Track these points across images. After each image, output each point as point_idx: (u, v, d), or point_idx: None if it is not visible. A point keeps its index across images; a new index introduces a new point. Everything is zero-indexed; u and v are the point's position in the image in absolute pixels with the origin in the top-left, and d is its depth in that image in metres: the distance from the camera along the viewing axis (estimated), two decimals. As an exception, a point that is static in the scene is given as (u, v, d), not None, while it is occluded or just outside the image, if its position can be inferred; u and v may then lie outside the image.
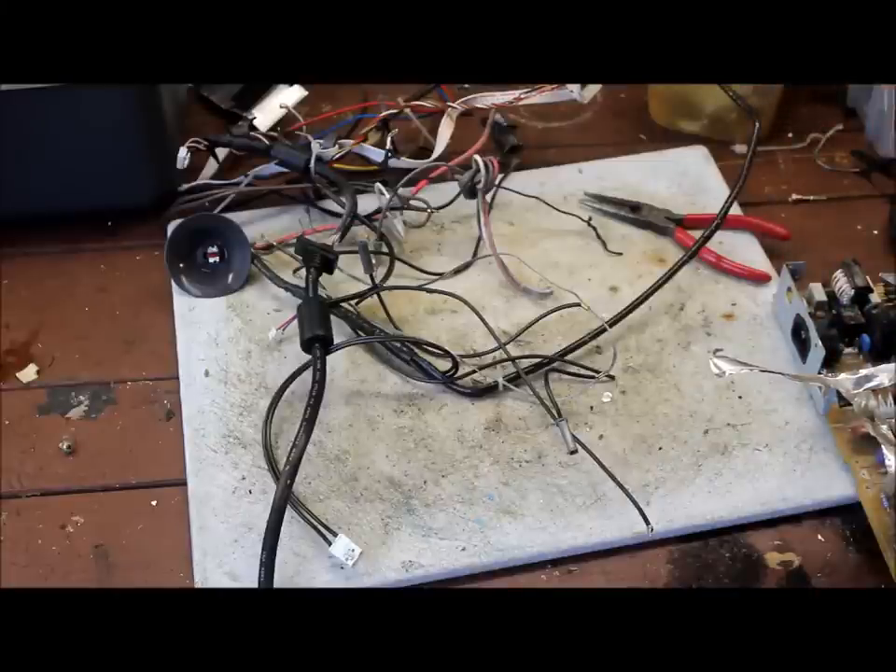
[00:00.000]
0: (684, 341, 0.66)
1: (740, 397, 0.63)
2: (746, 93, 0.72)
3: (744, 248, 0.71)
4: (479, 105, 0.73)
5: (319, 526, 0.55)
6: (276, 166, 0.72)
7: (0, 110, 0.64)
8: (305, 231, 0.70)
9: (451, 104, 0.73)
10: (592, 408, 0.63)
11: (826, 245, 0.72)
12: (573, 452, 0.59)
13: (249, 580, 0.54)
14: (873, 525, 0.56)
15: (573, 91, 0.70)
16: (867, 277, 0.62)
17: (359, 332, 0.65)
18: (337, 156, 0.72)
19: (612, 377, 0.64)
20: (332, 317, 0.62)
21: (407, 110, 0.74)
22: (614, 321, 0.65)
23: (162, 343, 0.66)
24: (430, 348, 0.63)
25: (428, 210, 0.71)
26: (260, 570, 0.52)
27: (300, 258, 0.65)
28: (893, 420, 0.58)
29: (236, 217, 0.70)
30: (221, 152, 0.74)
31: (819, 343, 0.60)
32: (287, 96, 0.78)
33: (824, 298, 0.62)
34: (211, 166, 0.74)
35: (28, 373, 0.65)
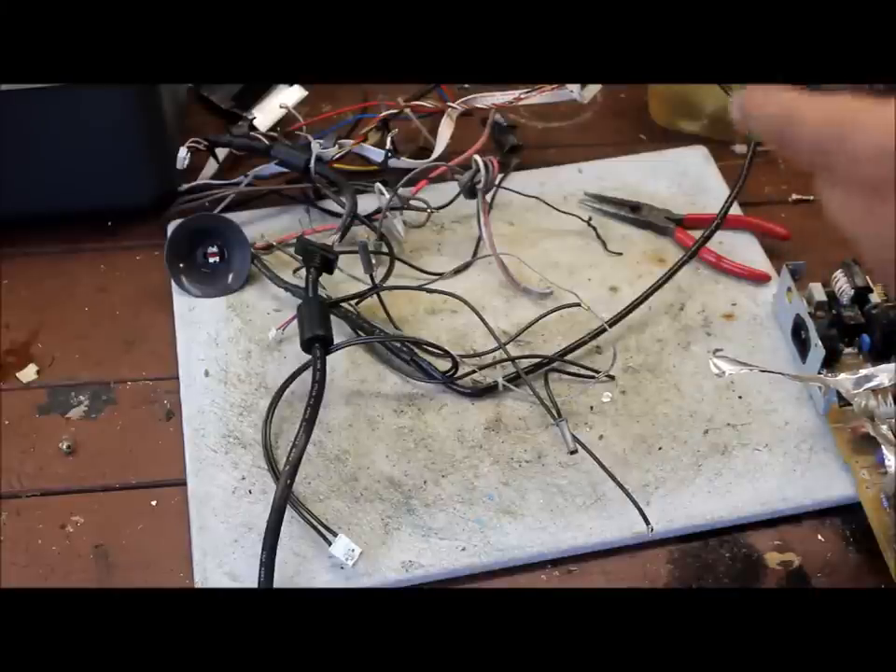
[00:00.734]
0: (684, 341, 0.66)
1: (740, 397, 0.63)
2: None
3: (744, 248, 0.71)
4: (479, 105, 0.73)
5: (319, 526, 0.55)
6: (276, 166, 0.72)
7: (0, 110, 0.64)
8: (305, 231, 0.70)
9: (451, 104, 0.73)
10: (592, 408, 0.63)
11: (826, 245, 0.71)
12: (573, 452, 0.59)
13: (249, 580, 0.54)
14: (873, 525, 0.56)
15: (573, 91, 0.70)
16: (867, 277, 0.62)
17: (359, 332, 0.65)
18: (337, 156, 0.72)
19: (612, 377, 0.64)
20: (332, 317, 0.62)
21: (407, 110, 0.74)
22: (614, 321, 0.65)
23: (162, 343, 0.66)
24: (430, 348, 0.63)
25: (428, 210, 0.71)
26: (260, 570, 0.52)
27: (300, 258, 0.65)
28: (893, 420, 0.58)
29: (236, 217, 0.70)
30: (221, 152, 0.74)
31: (819, 343, 0.60)
32: (287, 96, 0.78)
33: (824, 298, 0.62)
34: (211, 166, 0.74)
35: (28, 373, 0.65)
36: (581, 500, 0.58)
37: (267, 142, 0.71)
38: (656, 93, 0.81)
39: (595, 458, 0.58)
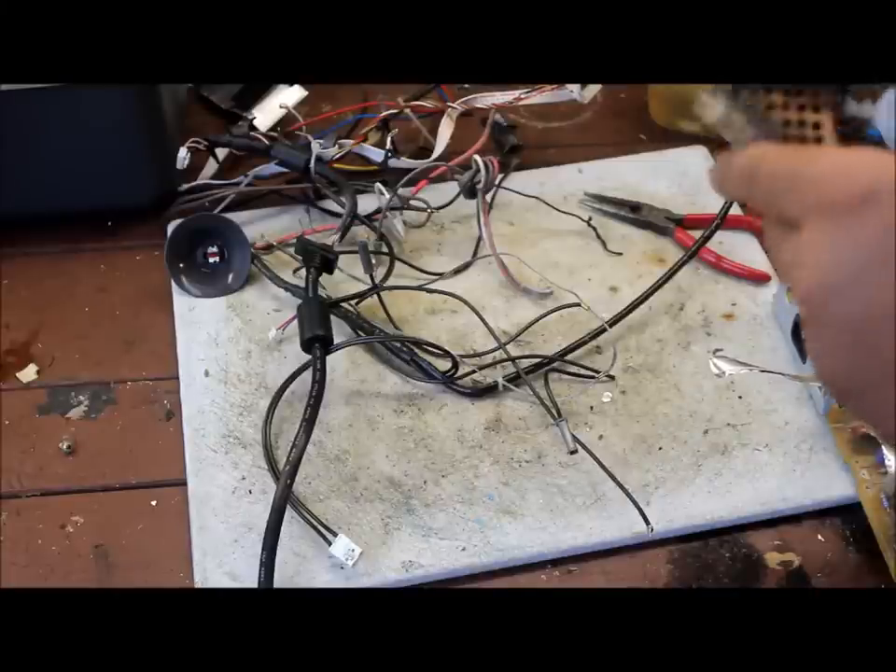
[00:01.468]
0: (684, 341, 0.66)
1: (740, 397, 0.63)
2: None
3: (744, 248, 0.71)
4: (479, 105, 0.73)
5: (319, 526, 0.55)
6: (276, 166, 0.72)
7: (0, 110, 0.64)
8: (305, 231, 0.70)
9: (451, 104, 0.73)
10: (592, 408, 0.63)
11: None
12: (573, 452, 0.59)
13: (249, 580, 0.54)
14: (873, 525, 0.56)
15: (573, 91, 0.70)
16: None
17: (359, 332, 0.65)
18: (337, 156, 0.72)
19: (612, 377, 0.64)
20: (332, 317, 0.63)
21: (407, 110, 0.74)
22: (614, 321, 0.65)
23: (162, 343, 0.66)
24: (430, 348, 0.63)
25: (428, 210, 0.71)
26: (260, 570, 0.52)
27: (300, 258, 0.65)
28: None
29: (236, 217, 0.70)
30: (221, 152, 0.74)
31: (819, 343, 0.60)
32: (287, 96, 0.78)
33: (824, 298, 0.62)
34: (211, 166, 0.74)
35: (28, 373, 0.65)
36: (581, 500, 0.58)
37: (267, 142, 0.71)
38: (656, 93, 0.81)
39: (595, 458, 0.58)
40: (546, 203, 0.72)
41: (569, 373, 0.64)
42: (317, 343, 0.60)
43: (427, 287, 0.67)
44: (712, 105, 0.44)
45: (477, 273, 0.70)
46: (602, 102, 0.83)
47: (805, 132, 0.42)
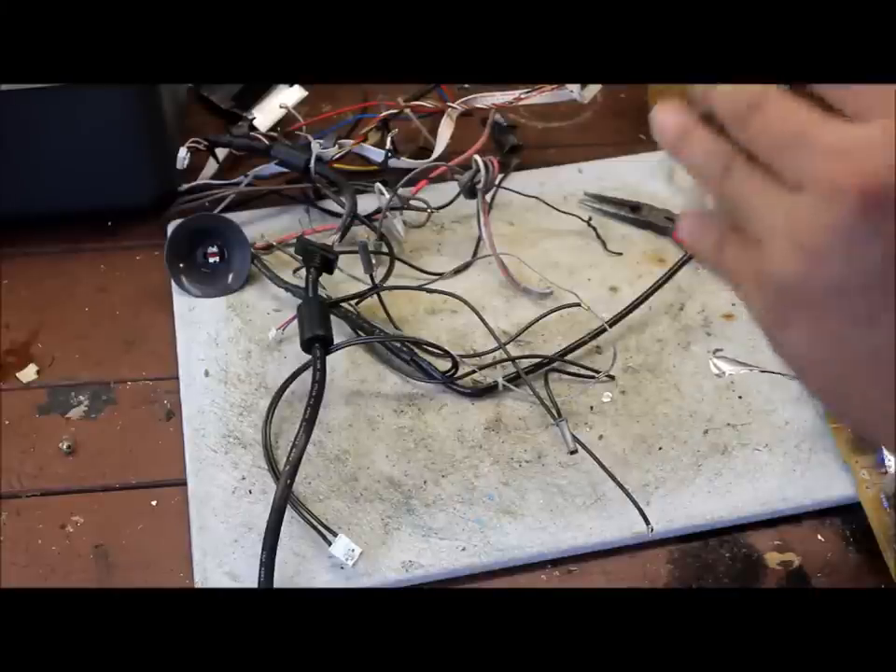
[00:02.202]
0: (684, 341, 0.66)
1: (740, 397, 0.63)
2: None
3: (744, 248, 0.71)
4: (479, 105, 0.73)
5: (319, 526, 0.55)
6: (276, 166, 0.72)
7: (0, 110, 0.64)
8: (305, 231, 0.70)
9: (451, 104, 0.73)
10: (592, 408, 0.63)
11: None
12: (573, 452, 0.59)
13: (249, 580, 0.54)
14: (873, 525, 0.56)
15: (573, 91, 0.70)
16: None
17: (359, 332, 0.65)
18: (337, 156, 0.72)
19: (612, 377, 0.64)
20: (332, 317, 0.63)
21: (407, 110, 0.74)
22: (614, 321, 0.65)
23: (162, 343, 0.66)
24: (430, 348, 0.63)
25: (428, 210, 0.71)
26: (260, 570, 0.52)
27: (300, 258, 0.65)
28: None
29: (236, 217, 0.70)
30: (221, 152, 0.74)
31: (819, 343, 0.60)
32: (287, 96, 0.78)
33: (824, 297, 0.62)
34: (211, 166, 0.74)
35: (28, 373, 0.65)
36: (580, 500, 0.58)
37: (267, 142, 0.71)
38: (656, 93, 0.81)
39: (595, 458, 0.58)
40: (546, 203, 0.72)
41: (569, 373, 0.64)
42: (317, 343, 0.60)
43: (427, 287, 0.67)
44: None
45: (477, 272, 0.70)
46: (602, 102, 0.83)
47: None
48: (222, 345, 0.65)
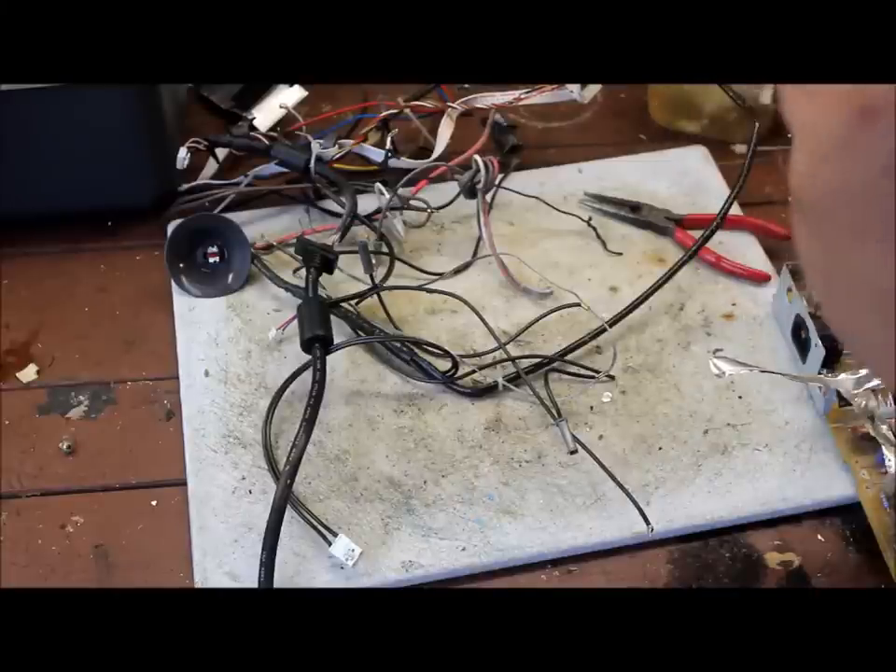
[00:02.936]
0: (684, 341, 0.66)
1: (740, 397, 0.63)
2: (747, 94, 0.73)
3: (744, 248, 0.71)
4: (479, 105, 0.73)
5: (319, 526, 0.55)
6: (276, 166, 0.72)
7: (0, 110, 0.64)
8: (305, 231, 0.70)
9: (451, 104, 0.73)
10: (592, 408, 0.63)
11: (826, 245, 0.71)
12: (573, 452, 0.59)
13: (249, 580, 0.54)
14: (873, 525, 0.56)
15: (573, 91, 0.70)
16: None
17: (359, 332, 0.65)
18: (337, 156, 0.72)
19: (612, 377, 0.64)
20: (332, 317, 0.63)
21: (407, 110, 0.74)
22: (614, 321, 0.65)
23: (162, 343, 0.66)
24: (430, 348, 0.63)
25: (428, 210, 0.71)
26: (260, 570, 0.52)
27: (300, 258, 0.65)
28: (893, 420, 0.58)
29: (236, 217, 0.70)
30: (221, 152, 0.74)
31: (819, 342, 0.60)
32: (287, 96, 0.78)
33: (824, 298, 0.62)
34: (211, 166, 0.74)
35: (28, 373, 0.65)
36: (581, 500, 0.58)
37: (267, 142, 0.71)
38: (656, 93, 0.81)
39: (595, 458, 0.58)
40: (546, 203, 0.72)
41: (569, 373, 0.64)
42: (317, 343, 0.60)
43: (426, 287, 0.67)
44: None
45: (477, 272, 0.70)
46: (602, 102, 0.83)
47: None
48: (222, 345, 0.65)
